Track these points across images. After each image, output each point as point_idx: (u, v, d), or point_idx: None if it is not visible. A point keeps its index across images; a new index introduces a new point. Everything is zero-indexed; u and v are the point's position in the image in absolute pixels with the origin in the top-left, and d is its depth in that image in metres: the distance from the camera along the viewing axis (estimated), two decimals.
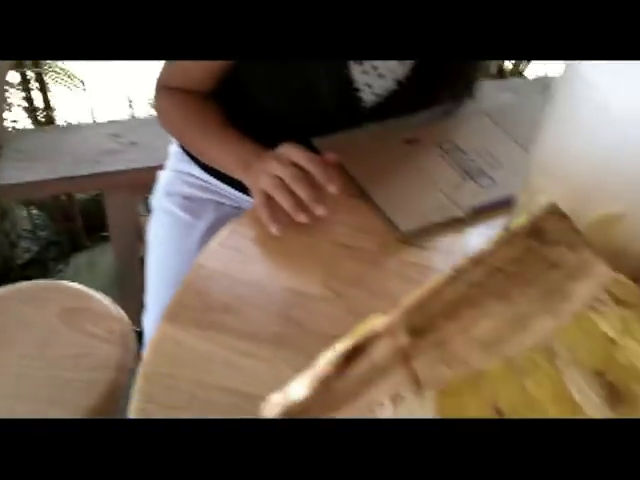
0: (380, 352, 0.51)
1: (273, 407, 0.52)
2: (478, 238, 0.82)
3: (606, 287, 0.54)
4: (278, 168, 0.80)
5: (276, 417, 0.50)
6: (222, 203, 1.17)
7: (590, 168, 0.68)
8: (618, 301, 0.54)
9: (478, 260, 0.54)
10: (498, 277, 0.54)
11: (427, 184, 0.86)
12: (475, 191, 0.86)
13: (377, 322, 0.53)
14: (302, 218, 0.78)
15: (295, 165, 0.80)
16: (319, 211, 0.78)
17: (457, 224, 0.84)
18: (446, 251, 0.81)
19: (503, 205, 0.85)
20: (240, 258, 0.80)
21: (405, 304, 0.53)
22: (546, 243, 0.55)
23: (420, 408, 0.50)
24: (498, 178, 0.88)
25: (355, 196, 0.87)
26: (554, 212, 0.55)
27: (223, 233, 0.83)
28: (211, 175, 1.14)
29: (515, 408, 0.51)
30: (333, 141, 0.92)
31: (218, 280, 0.77)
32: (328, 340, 0.52)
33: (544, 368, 0.52)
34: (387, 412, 0.50)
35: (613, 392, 0.52)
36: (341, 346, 0.52)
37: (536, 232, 0.55)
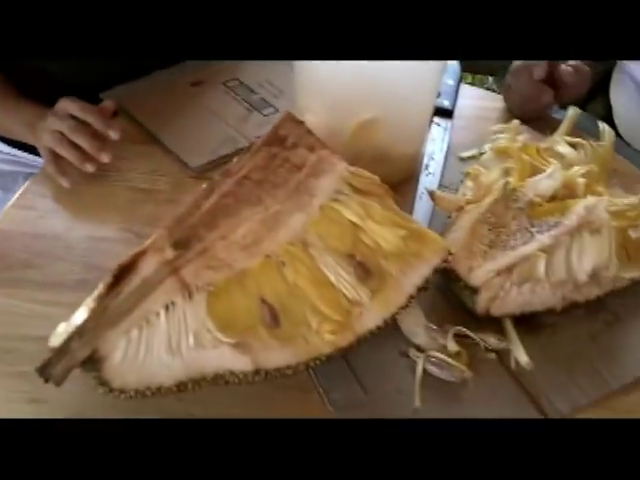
0: (148, 267, 0.56)
1: (58, 336, 0.55)
2: None
3: (346, 180, 0.62)
4: (56, 123, 0.81)
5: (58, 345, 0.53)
6: (31, 173, 1.15)
7: (342, 83, 0.75)
8: (357, 191, 0.62)
9: (228, 172, 0.59)
10: (247, 185, 0.60)
11: (214, 121, 0.90)
12: (260, 121, 0.92)
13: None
14: (89, 168, 0.80)
15: (73, 118, 0.81)
16: (104, 158, 0.80)
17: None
18: None
19: None
20: (35, 215, 0.81)
21: (168, 221, 0.58)
22: (287, 148, 0.61)
23: (192, 311, 0.56)
24: (280, 106, 0.94)
25: (146, 142, 0.90)
26: (290, 119, 0.61)
27: (16, 195, 0.84)
28: (15, 147, 1.12)
29: (279, 296, 0.58)
30: (119, 92, 0.94)
31: (16, 239, 0.78)
32: None
33: (300, 258, 0.59)
34: (162, 318, 0.55)
35: (364, 269, 0.60)
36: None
37: (277, 139, 0.61)
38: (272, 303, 0.57)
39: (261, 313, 0.56)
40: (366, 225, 0.61)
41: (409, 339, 0.67)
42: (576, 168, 0.79)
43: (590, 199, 0.72)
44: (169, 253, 0.57)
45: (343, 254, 0.60)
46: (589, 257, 0.69)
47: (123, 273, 0.55)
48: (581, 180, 0.77)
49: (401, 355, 0.67)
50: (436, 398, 0.64)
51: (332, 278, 0.59)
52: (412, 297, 0.61)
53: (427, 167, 0.88)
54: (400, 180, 0.86)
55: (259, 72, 1.01)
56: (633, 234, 0.75)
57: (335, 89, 0.76)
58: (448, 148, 0.92)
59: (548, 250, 0.69)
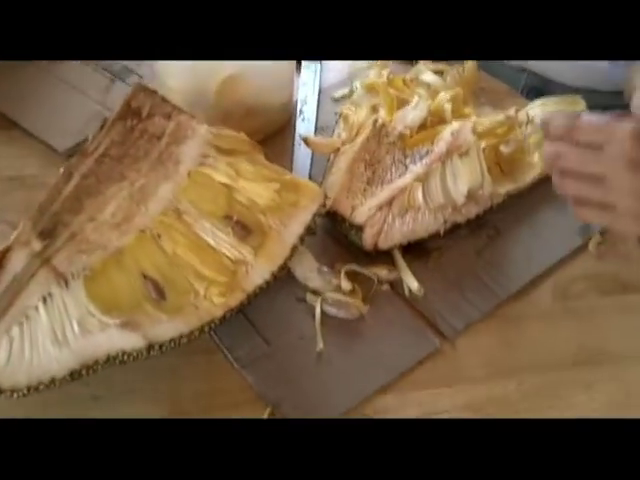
0: (17, 262, 0.54)
1: None
2: None
3: (210, 142, 0.61)
4: None
5: None
6: None
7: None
8: (223, 151, 0.61)
9: (84, 153, 0.57)
10: (107, 163, 0.58)
11: (76, 97, 0.86)
12: (125, 91, 0.88)
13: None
14: None
15: None
16: None
17: None
18: None
19: None
20: None
21: (30, 213, 0.55)
22: (143, 119, 0.59)
23: (71, 298, 0.54)
24: (144, 73, 0.90)
25: (7, 128, 0.85)
26: (142, 90, 0.59)
27: None
28: None
29: (161, 269, 0.57)
30: None
31: None
32: None
33: (175, 227, 0.58)
34: (41, 311, 0.54)
35: (243, 228, 0.60)
36: None
37: (131, 112, 0.59)
38: (154, 277, 0.56)
39: (144, 289, 0.56)
40: (238, 184, 0.60)
41: (304, 284, 0.68)
42: (442, 94, 0.81)
43: (455, 124, 0.74)
44: (36, 244, 0.55)
45: (219, 217, 0.59)
46: (463, 179, 0.71)
47: None
48: (448, 106, 0.79)
49: (298, 301, 0.68)
50: (337, 338, 0.65)
51: (211, 242, 0.58)
52: (295, 247, 0.61)
53: (302, 113, 0.88)
54: (276, 130, 0.85)
55: None
56: (505, 149, 0.78)
57: None
58: (320, 90, 0.91)
59: (423, 178, 0.71)
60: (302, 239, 0.62)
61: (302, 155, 0.82)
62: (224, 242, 0.59)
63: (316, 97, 0.90)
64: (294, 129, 0.86)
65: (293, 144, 0.84)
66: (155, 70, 0.83)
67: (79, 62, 0.92)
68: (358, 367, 0.63)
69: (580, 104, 0.83)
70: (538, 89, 1.06)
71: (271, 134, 0.85)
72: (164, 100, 0.60)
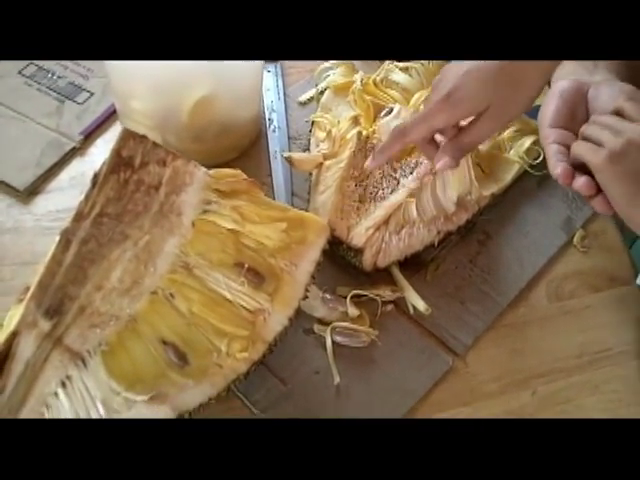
0: (27, 347, 0.50)
1: None
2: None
3: (209, 186, 0.57)
4: None
5: None
6: None
7: (168, 65, 0.68)
8: (224, 194, 0.58)
9: (79, 216, 0.53)
10: (106, 223, 0.53)
11: (24, 125, 0.79)
12: (77, 112, 0.81)
13: (12, 321, 0.51)
14: None
15: None
16: None
17: (75, 154, 0.80)
18: (77, 185, 0.77)
19: (112, 116, 0.83)
20: None
21: (30, 291, 0.51)
22: (136, 170, 0.55)
23: (91, 378, 0.51)
24: (94, 88, 0.84)
25: None
26: (130, 136, 0.55)
27: None
28: None
29: (179, 332, 0.54)
30: None
31: None
32: None
33: (188, 284, 0.55)
34: (62, 397, 0.50)
35: (255, 275, 0.57)
36: None
37: (123, 163, 0.54)
38: (173, 341, 0.53)
39: (165, 356, 0.53)
40: (245, 229, 0.57)
41: (310, 315, 0.67)
42: (416, 96, 0.79)
43: None
44: (44, 324, 0.50)
45: (230, 265, 0.57)
46: (452, 188, 0.70)
47: (0, 365, 0.49)
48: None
49: (306, 333, 0.67)
50: (352, 368, 0.65)
51: (227, 294, 0.56)
52: (308, 286, 0.59)
53: (271, 121, 0.84)
54: (249, 143, 0.82)
55: None
56: (482, 147, 0.78)
57: (162, 72, 0.68)
58: (285, 95, 0.88)
59: (416, 193, 0.70)
60: (313, 277, 0.60)
61: (280, 169, 0.79)
62: (240, 293, 0.56)
63: (283, 103, 0.86)
64: (267, 140, 0.83)
65: (269, 158, 0.81)
66: (114, 90, 0.77)
67: (20, 82, 0.84)
68: (377, 397, 0.63)
69: (545, 92, 0.84)
70: None
71: (244, 148, 0.81)
72: (155, 145, 0.56)
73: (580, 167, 0.62)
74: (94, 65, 0.87)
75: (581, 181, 0.61)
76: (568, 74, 0.70)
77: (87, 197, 0.53)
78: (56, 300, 0.51)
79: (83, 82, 0.86)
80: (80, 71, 0.87)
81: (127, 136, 0.55)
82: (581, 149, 0.62)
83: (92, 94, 0.85)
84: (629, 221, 0.59)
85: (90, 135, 0.81)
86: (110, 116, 0.83)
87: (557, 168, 0.63)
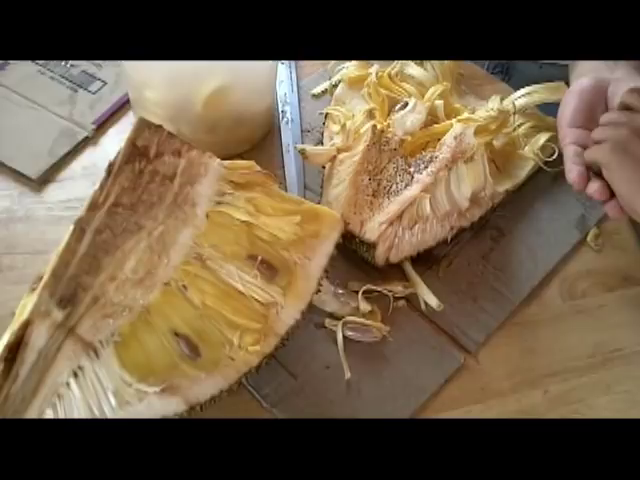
0: (39, 336, 0.49)
1: None
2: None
3: (224, 178, 0.57)
4: None
5: None
6: None
7: None
8: (239, 186, 0.57)
9: (93, 205, 0.52)
10: (120, 213, 0.53)
11: (37, 114, 0.79)
12: (91, 101, 0.80)
13: (25, 310, 0.50)
14: None
15: None
16: None
17: (87, 144, 0.80)
18: (89, 175, 0.77)
19: (125, 106, 0.83)
20: None
21: (43, 280, 0.51)
22: (151, 160, 0.54)
23: (104, 369, 0.50)
24: (108, 78, 0.84)
25: None
26: (146, 126, 0.54)
27: None
28: None
29: (191, 323, 0.54)
30: None
31: None
32: None
33: (201, 275, 0.55)
34: (74, 387, 0.50)
35: (269, 267, 0.57)
36: None
37: (137, 153, 0.54)
38: (186, 333, 0.53)
39: (178, 348, 0.52)
40: (259, 221, 0.57)
41: (321, 309, 0.67)
42: (432, 90, 0.79)
43: (456, 126, 0.72)
44: (57, 314, 0.50)
45: (243, 258, 0.56)
46: (466, 184, 0.70)
47: (13, 353, 0.48)
48: (439, 102, 0.77)
49: (317, 327, 0.66)
50: (363, 363, 0.64)
51: (239, 287, 0.55)
52: (321, 280, 0.59)
53: (284, 114, 0.84)
54: (262, 136, 0.81)
55: None
56: (496, 143, 0.77)
57: (177, 62, 0.68)
58: (298, 87, 0.87)
59: (430, 188, 0.69)
60: (326, 270, 0.60)
61: (293, 161, 0.79)
62: (252, 286, 0.56)
63: (296, 96, 0.86)
64: (279, 131, 0.82)
65: (281, 151, 0.80)
66: (128, 80, 0.77)
67: (34, 71, 0.84)
68: (388, 393, 0.63)
69: (563, 89, 0.83)
70: (504, 65, 1.06)
71: (257, 140, 0.81)
72: (171, 135, 0.55)
73: (596, 171, 0.62)
74: None
75: (594, 186, 0.61)
76: (589, 71, 0.69)
77: (102, 187, 0.53)
78: (69, 290, 0.51)
79: (96, 71, 0.85)
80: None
81: (142, 126, 0.55)
82: (589, 152, 0.62)
83: (105, 83, 0.84)
84: (633, 211, 0.59)
85: (103, 125, 0.81)
86: (123, 106, 0.83)
87: (572, 172, 0.63)
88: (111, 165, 0.54)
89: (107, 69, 0.85)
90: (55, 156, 0.76)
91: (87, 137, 0.79)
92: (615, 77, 0.67)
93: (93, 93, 0.83)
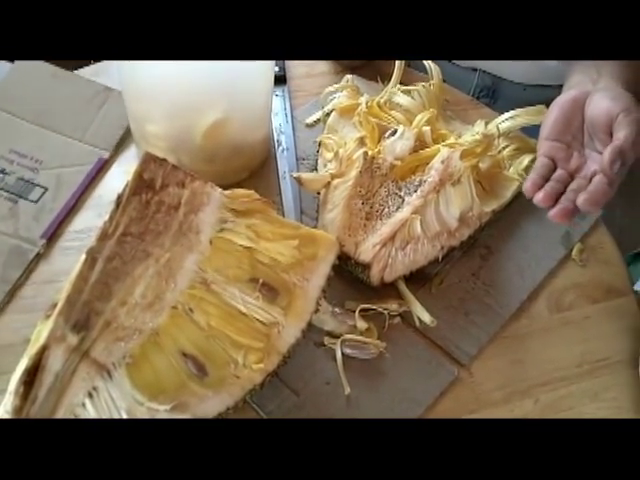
0: (56, 360, 0.52)
1: None
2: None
3: (226, 206, 0.61)
4: None
5: None
6: None
7: (184, 87, 0.71)
8: (240, 213, 0.61)
9: (104, 235, 0.56)
10: (129, 242, 0.56)
11: None
12: (34, 212, 0.74)
13: (41, 337, 0.53)
14: None
15: None
16: None
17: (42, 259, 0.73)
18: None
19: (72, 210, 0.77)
20: None
21: (58, 306, 0.54)
22: (157, 191, 0.58)
23: (117, 389, 0.53)
24: (48, 183, 0.76)
25: None
26: (152, 160, 0.58)
27: None
28: None
29: (198, 344, 0.57)
30: None
31: None
32: None
33: (206, 299, 0.58)
34: (89, 407, 0.53)
35: (270, 289, 0.60)
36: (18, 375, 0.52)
37: (145, 185, 0.58)
38: (193, 353, 0.56)
39: (186, 367, 0.55)
40: (259, 246, 0.60)
41: (320, 328, 0.70)
42: (419, 117, 0.83)
43: (443, 151, 0.76)
44: (72, 339, 0.53)
45: (246, 281, 0.60)
46: (454, 205, 0.74)
47: (32, 376, 0.51)
48: (427, 129, 0.81)
49: (317, 346, 0.70)
50: (361, 379, 0.67)
51: (242, 308, 0.59)
52: (319, 300, 0.62)
53: (279, 143, 0.88)
54: (259, 164, 0.85)
55: None
56: (482, 165, 0.81)
57: (176, 96, 0.72)
58: (292, 117, 0.91)
59: (420, 210, 0.73)
60: (324, 290, 0.63)
61: (289, 188, 0.83)
62: (255, 307, 0.59)
63: (290, 125, 0.90)
64: (275, 160, 0.86)
65: (278, 178, 0.84)
66: (129, 114, 0.81)
67: None
68: (386, 406, 0.66)
69: (544, 112, 0.87)
70: (489, 88, 1.10)
71: (254, 169, 0.84)
72: (175, 168, 0.59)
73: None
74: (42, 155, 0.80)
75: (539, 197, 0.65)
76: (576, 84, 0.73)
77: (111, 217, 0.56)
78: (83, 315, 0.54)
79: (33, 176, 0.78)
80: (27, 164, 0.79)
81: (148, 159, 0.58)
82: None
83: (46, 189, 0.77)
84: None
85: (52, 237, 0.74)
86: (70, 211, 0.77)
87: (528, 181, 0.67)
88: (120, 197, 0.57)
89: (44, 173, 0.79)
90: (7, 282, 0.70)
91: (39, 253, 0.73)
92: (597, 88, 0.70)
93: (35, 202, 0.76)
